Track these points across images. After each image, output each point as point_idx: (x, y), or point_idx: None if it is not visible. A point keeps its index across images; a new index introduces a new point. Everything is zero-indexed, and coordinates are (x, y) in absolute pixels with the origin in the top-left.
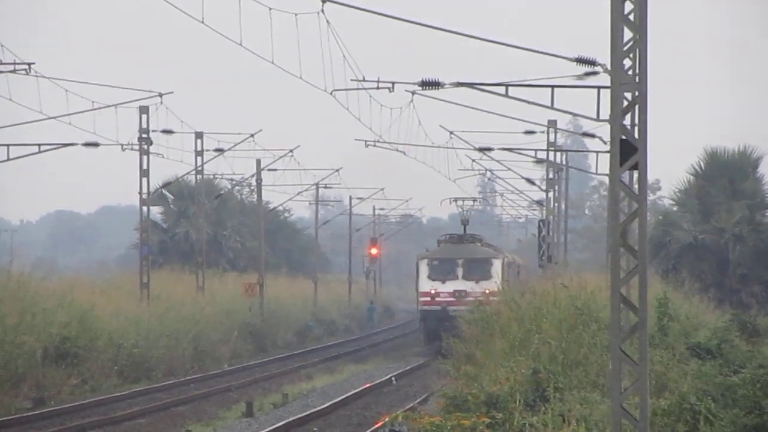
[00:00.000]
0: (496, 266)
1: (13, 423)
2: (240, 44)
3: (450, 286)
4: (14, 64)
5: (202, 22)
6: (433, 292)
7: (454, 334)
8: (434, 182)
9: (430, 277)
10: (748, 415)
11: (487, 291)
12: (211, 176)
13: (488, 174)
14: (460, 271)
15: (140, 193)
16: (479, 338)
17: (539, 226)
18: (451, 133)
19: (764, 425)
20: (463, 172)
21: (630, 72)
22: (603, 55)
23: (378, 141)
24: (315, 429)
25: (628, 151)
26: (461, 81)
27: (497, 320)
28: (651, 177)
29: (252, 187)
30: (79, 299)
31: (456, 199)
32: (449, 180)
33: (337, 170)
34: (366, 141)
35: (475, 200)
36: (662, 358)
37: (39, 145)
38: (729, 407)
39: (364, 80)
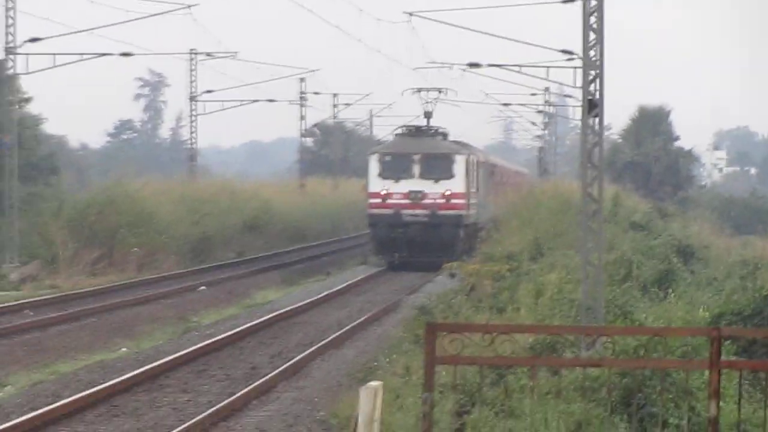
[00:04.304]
0: (459, 164)
1: (225, 266)
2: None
3: (404, 186)
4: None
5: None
6: (383, 193)
7: (411, 247)
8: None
9: (381, 176)
10: (661, 263)
11: (447, 192)
12: (342, 120)
13: (508, 120)
14: (416, 169)
15: (300, 129)
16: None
17: (539, 151)
18: (488, 95)
19: (671, 269)
20: (494, 118)
21: (594, 58)
22: (578, 46)
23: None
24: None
25: (593, 106)
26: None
27: (512, 208)
28: (605, 121)
29: (366, 126)
30: (262, 193)
31: (419, 90)
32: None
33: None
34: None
35: (440, 91)
36: (613, 230)
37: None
38: (650, 259)
39: None
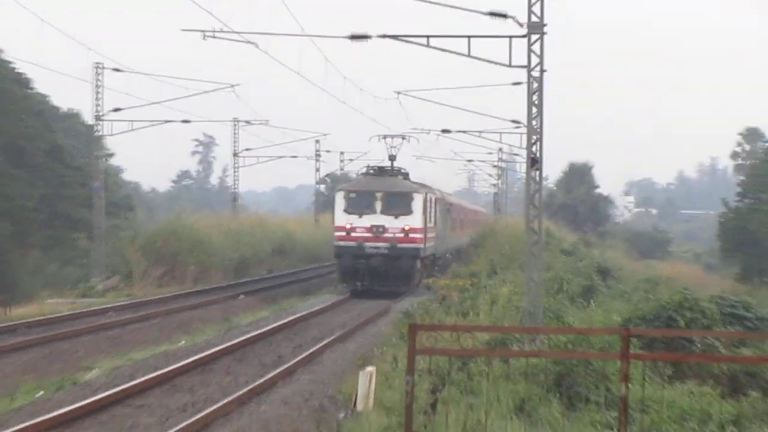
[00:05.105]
0: (417, 201)
1: (259, 281)
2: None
3: (367, 221)
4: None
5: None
6: (348, 227)
7: (373, 276)
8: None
9: (347, 211)
10: (585, 280)
11: (406, 227)
12: (347, 172)
13: (471, 172)
14: (378, 205)
15: (316, 178)
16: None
17: (494, 195)
18: (456, 153)
19: (593, 285)
20: (461, 170)
21: (536, 126)
22: (524, 117)
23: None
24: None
25: (534, 162)
26: (387, 34)
27: (475, 239)
28: (544, 173)
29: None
30: (287, 226)
31: (385, 137)
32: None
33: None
34: None
35: (404, 137)
36: (549, 255)
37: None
38: (577, 276)
39: None
